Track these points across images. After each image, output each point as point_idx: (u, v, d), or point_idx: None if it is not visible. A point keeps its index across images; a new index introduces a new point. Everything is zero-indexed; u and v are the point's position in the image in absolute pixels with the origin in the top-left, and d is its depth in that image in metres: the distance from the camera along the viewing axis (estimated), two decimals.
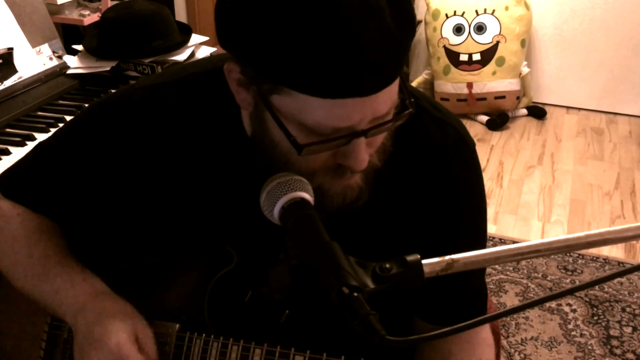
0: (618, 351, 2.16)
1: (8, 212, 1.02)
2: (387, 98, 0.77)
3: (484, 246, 1.03)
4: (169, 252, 1.00)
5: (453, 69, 3.61)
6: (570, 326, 2.26)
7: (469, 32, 3.57)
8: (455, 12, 3.59)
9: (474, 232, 1.01)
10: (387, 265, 0.68)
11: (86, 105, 1.68)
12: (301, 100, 0.74)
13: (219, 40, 0.80)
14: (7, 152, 1.67)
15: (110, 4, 2.73)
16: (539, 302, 0.67)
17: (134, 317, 0.93)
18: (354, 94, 0.72)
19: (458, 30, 3.59)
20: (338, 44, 0.70)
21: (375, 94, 0.74)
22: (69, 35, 2.95)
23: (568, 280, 2.50)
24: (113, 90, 1.49)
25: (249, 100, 0.82)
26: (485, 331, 1.03)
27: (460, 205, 0.98)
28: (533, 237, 2.76)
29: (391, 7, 0.72)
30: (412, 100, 0.81)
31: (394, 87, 0.78)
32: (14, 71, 1.93)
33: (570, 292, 0.65)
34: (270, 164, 0.84)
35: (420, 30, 3.88)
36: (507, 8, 3.53)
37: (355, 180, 0.85)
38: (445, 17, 3.61)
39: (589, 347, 2.17)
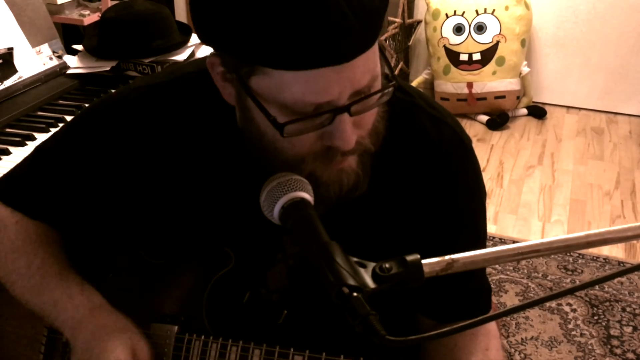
0: (618, 351, 2.15)
1: (6, 220, 1.01)
2: (365, 69, 0.75)
3: (484, 243, 1.03)
4: (167, 253, 0.99)
5: (453, 68, 3.61)
6: (570, 326, 2.26)
7: (469, 32, 3.57)
8: (455, 11, 3.59)
9: (473, 230, 1.01)
10: (387, 265, 0.68)
11: (86, 105, 1.68)
12: (277, 77, 0.73)
13: (197, 34, 0.80)
14: (7, 152, 1.67)
15: (110, 4, 2.73)
16: (539, 302, 0.67)
17: (130, 331, 0.93)
18: (325, 63, 0.71)
19: (458, 30, 3.59)
20: (303, 14, 0.68)
21: (348, 62, 0.72)
22: (69, 35, 2.95)
23: (568, 280, 2.50)
24: (113, 90, 1.49)
25: (233, 92, 0.82)
26: (491, 322, 1.02)
27: (458, 204, 0.98)
28: (533, 237, 2.76)
29: None
30: (395, 74, 0.79)
31: (371, 57, 0.76)
32: (14, 71, 1.93)
33: (570, 292, 0.65)
34: (260, 156, 0.83)
35: (420, 30, 3.88)
36: (507, 8, 3.53)
37: (348, 164, 0.83)
38: (445, 17, 3.61)
39: (589, 347, 2.17)
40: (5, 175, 1.06)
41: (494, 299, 2.35)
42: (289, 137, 0.76)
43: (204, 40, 0.79)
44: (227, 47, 0.75)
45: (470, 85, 3.58)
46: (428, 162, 0.95)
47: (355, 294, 0.65)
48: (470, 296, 1.03)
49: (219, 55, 0.80)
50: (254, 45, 0.71)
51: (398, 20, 3.70)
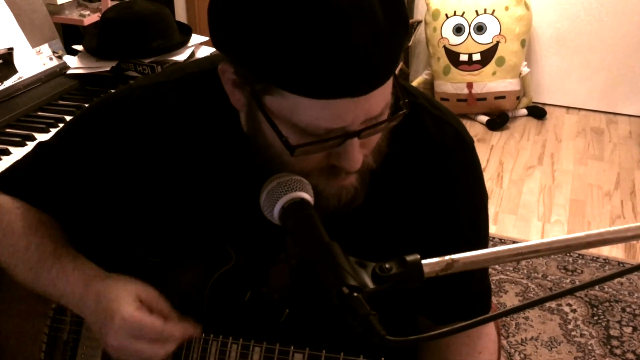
0: (618, 351, 2.16)
1: (7, 206, 1.02)
2: (380, 99, 0.76)
3: (485, 243, 1.03)
4: (167, 251, 1.00)
5: (453, 69, 3.61)
6: (570, 326, 2.26)
7: (469, 32, 3.57)
8: (455, 12, 3.59)
9: (475, 230, 1.01)
10: (387, 265, 0.69)
11: (86, 105, 1.68)
12: (293, 100, 0.73)
13: (212, 41, 0.80)
14: (7, 152, 1.68)
15: (110, 4, 2.73)
16: (539, 302, 0.67)
17: (129, 283, 0.93)
18: (345, 95, 0.72)
19: (458, 30, 3.59)
20: (328, 45, 0.69)
21: (367, 94, 0.73)
22: (69, 35, 2.94)
23: (568, 280, 2.50)
24: (113, 91, 1.49)
25: (243, 101, 0.82)
26: (489, 325, 1.03)
27: (460, 204, 0.98)
28: (533, 237, 2.76)
29: (383, 7, 0.72)
30: (407, 100, 0.80)
31: (387, 87, 0.77)
32: (14, 71, 1.93)
33: (570, 292, 0.65)
34: (265, 165, 0.84)
35: (420, 30, 3.88)
36: (507, 8, 3.53)
37: (350, 181, 0.85)
38: (445, 17, 3.61)
39: (589, 347, 2.17)
40: (7, 168, 1.07)
41: (494, 299, 2.35)
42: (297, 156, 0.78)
43: (219, 48, 0.79)
44: (246, 62, 0.75)
45: (470, 85, 3.58)
46: (431, 162, 0.95)
47: (355, 294, 0.66)
48: (470, 297, 1.03)
49: (232, 65, 0.80)
50: (276, 67, 0.71)
51: None
